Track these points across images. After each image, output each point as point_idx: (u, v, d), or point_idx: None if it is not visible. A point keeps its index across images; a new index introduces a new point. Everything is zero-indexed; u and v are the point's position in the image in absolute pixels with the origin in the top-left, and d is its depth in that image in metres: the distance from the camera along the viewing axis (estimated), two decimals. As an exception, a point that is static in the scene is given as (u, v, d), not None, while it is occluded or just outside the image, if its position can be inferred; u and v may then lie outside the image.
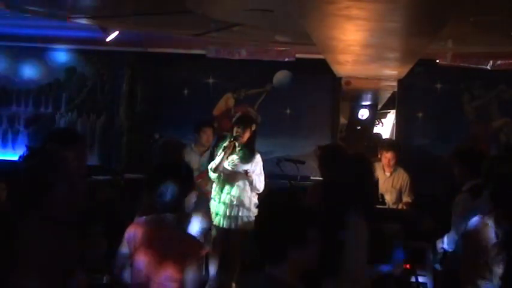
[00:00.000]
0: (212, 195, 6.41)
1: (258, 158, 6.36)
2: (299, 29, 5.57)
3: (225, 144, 6.29)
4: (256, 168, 6.32)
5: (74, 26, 7.48)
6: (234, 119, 6.55)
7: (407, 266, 5.74)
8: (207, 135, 7.06)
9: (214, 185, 6.44)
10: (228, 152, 6.26)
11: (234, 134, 6.27)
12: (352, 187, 3.84)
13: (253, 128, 6.40)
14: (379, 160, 7.20)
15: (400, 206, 6.77)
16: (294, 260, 2.36)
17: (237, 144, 6.29)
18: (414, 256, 5.81)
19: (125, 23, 7.28)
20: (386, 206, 6.47)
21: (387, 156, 6.96)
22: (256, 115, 9.27)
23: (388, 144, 7.36)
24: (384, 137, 9.57)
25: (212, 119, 8.64)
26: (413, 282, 5.67)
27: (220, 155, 6.32)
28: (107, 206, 5.28)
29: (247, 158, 6.28)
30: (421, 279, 5.89)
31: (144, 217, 3.54)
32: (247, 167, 6.26)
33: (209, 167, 6.38)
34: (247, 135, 6.30)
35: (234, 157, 6.31)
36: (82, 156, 4.07)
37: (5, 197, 2.91)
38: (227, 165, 6.30)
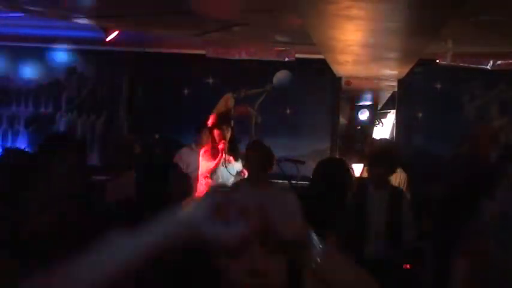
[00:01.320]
0: None
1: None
2: (299, 29, 5.57)
3: (220, 147, 6.35)
4: (240, 165, 6.43)
5: (74, 26, 7.48)
6: (213, 121, 6.60)
7: (408, 266, 5.75)
8: (207, 136, 7.09)
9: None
10: (224, 154, 6.33)
11: (223, 135, 6.32)
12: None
13: (232, 124, 6.49)
14: None
15: None
16: None
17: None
18: (414, 256, 5.80)
19: (125, 23, 7.29)
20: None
21: None
22: (256, 115, 9.28)
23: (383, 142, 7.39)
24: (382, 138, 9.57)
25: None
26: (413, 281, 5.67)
27: (207, 159, 6.38)
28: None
29: (236, 155, 6.36)
30: (421, 278, 5.89)
31: None
32: (238, 164, 6.33)
33: (201, 173, 6.43)
34: (229, 133, 6.39)
35: (229, 158, 6.37)
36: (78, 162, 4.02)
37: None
38: (221, 165, 6.36)
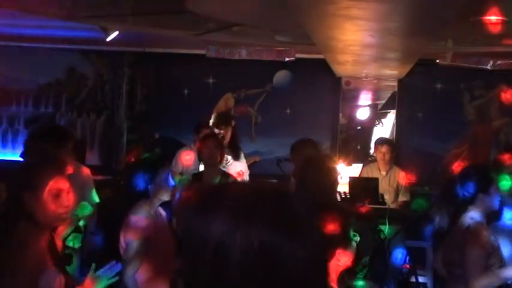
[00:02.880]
0: None
1: (242, 154, 6.42)
2: (299, 29, 5.57)
3: None
4: (244, 166, 6.37)
5: (74, 26, 7.48)
6: (212, 121, 6.56)
7: (407, 266, 5.74)
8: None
9: None
10: None
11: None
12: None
13: (233, 124, 6.45)
14: (374, 161, 7.21)
15: (393, 206, 6.72)
16: None
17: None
18: (414, 256, 5.80)
19: (125, 23, 7.29)
20: (387, 206, 6.45)
21: (382, 151, 6.95)
22: (256, 115, 9.28)
23: (382, 140, 7.40)
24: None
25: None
26: (413, 282, 5.67)
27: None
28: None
29: (236, 155, 6.31)
30: (421, 279, 5.89)
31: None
32: (239, 165, 6.28)
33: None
34: (229, 133, 6.34)
35: (227, 158, 6.32)
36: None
37: (5, 198, 2.91)
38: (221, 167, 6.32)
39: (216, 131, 6.31)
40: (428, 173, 8.11)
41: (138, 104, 9.68)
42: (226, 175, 5.56)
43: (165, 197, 3.76)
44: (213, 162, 5.44)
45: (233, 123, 6.47)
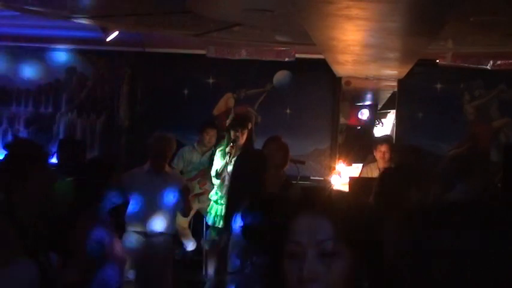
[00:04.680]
0: (214, 199, 6.45)
1: None
2: (299, 29, 5.57)
3: (227, 150, 6.33)
4: None
5: (74, 26, 7.48)
6: (229, 122, 6.58)
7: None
8: (210, 136, 7.12)
9: (216, 189, 6.45)
10: (231, 156, 6.28)
11: (233, 138, 6.29)
12: None
13: (249, 127, 6.45)
14: (374, 160, 7.20)
15: None
16: None
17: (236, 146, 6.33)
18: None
19: (125, 23, 7.29)
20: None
21: (382, 150, 6.95)
22: (256, 115, 9.27)
23: (381, 138, 7.40)
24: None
25: (213, 119, 8.65)
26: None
27: (220, 160, 6.36)
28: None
29: None
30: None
31: None
32: None
33: (212, 174, 6.43)
34: (245, 136, 6.34)
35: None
36: None
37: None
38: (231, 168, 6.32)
39: (233, 133, 6.32)
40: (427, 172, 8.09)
41: (138, 104, 9.68)
42: (288, 179, 5.50)
43: None
44: (274, 165, 5.35)
45: (250, 126, 6.48)
